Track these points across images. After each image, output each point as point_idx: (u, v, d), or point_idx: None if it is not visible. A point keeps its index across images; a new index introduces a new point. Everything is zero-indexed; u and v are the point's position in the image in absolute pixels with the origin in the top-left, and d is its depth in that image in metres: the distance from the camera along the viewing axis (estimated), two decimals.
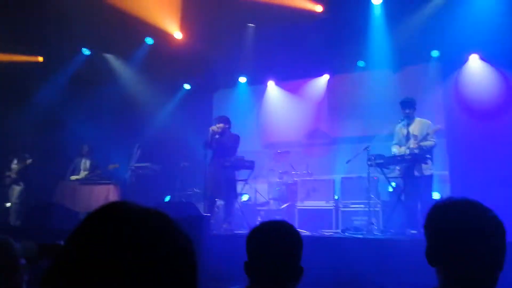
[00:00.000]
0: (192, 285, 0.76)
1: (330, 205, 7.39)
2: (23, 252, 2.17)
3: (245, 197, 8.56)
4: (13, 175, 8.13)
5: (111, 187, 7.19)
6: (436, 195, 7.03)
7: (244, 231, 6.37)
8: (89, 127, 8.20)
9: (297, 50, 8.34)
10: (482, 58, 8.15)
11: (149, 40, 9.09)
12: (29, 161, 8.05)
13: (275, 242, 1.76)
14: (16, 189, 8.14)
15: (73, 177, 7.81)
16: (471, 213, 1.49)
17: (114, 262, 0.69)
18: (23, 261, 2.12)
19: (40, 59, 9.19)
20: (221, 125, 6.81)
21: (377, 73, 8.69)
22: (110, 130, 8.74)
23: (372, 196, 6.87)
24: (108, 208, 0.78)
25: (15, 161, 8.17)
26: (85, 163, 8.00)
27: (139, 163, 7.87)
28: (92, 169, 7.87)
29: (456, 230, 1.48)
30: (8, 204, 7.99)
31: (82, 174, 7.83)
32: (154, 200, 6.57)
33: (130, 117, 9.18)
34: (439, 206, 1.59)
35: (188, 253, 0.77)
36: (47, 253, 2.21)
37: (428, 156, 6.18)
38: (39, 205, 6.14)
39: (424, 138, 6.19)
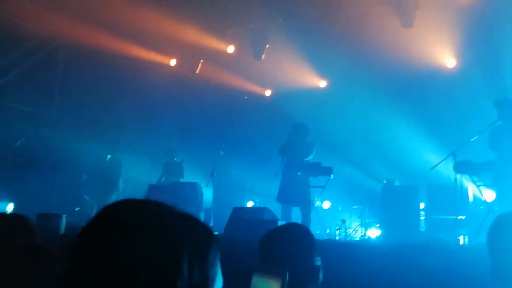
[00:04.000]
0: None
1: (413, 213, 7.07)
2: None
3: (326, 204, 8.47)
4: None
5: (197, 190, 7.58)
6: None
7: (322, 237, 6.34)
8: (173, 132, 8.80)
9: None
10: None
11: None
12: None
13: (285, 245, 1.78)
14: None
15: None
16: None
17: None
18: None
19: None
20: (297, 131, 6.89)
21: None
22: (195, 137, 9.32)
23: (463, 205, 6.46)
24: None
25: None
26: (171, 166, 8.48)
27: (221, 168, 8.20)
28: (177, 171, 8.33)
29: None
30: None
31: (169, 177, 8.33)
32: (235, 204, 6.78)
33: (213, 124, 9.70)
34: (502, 219, 1.47)
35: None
36: None
37: None
38: None
39: None
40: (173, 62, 10.40)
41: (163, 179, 8.35)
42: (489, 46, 7.89)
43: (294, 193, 6.64)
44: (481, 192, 6.12)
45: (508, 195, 5.56)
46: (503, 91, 6.81)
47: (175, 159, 8.48)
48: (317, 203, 7.68)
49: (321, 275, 1.77)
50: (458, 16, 7.93)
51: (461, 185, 6.18)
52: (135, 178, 8.68)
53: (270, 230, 1.88)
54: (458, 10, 7.90)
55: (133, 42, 9.43)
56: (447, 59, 8.68)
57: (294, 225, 1.95)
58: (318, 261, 1.78)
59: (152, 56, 10.10)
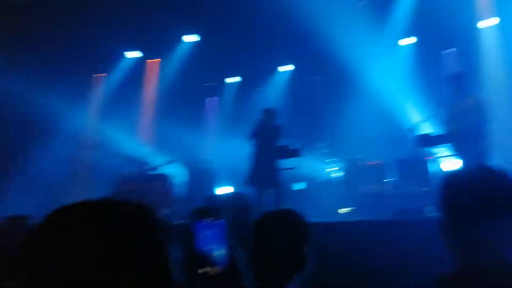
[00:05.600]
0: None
1: (383, 188, 7.29)
2: None
3: (301, 185, 8.57)
4: None
5: (168, 182, 7.59)
6: None
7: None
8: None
9: None
10: None
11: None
12: None
13: (277, 232, 1.78)
14: None
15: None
16: (487, 180, 1.32)
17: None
18: None
19: None
20: (266, 116, 6.97)
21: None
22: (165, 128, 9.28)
23: (427, 177, 6.71)
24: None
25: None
26: (141, 159, 8.38)
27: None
28: (147, 164, 8.28)
29: (472, 199, 1.30)
30: None
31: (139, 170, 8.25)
32: (207, 193, 6.84)
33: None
34: (453, 175, 1.43)
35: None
36: None
37: (480, 131, 5.85)
38: None
39: (476, 113, 5.88)
40: None
41: None
42: None
43: (267, 176, 6.72)
44: (440, 164, 6.35)
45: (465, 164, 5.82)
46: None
47: None
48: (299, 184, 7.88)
49: (309, 265, 1.78)
50: None
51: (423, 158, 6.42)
52: None
53: (263, 215, 1.88)
54: None
55: None
56: None
57: (287, 211, 1.92)
58: (306, 250, 1.79)
59: None
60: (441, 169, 6.47)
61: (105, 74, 10.10)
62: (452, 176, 1.41)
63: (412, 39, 8.89)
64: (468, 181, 1.36)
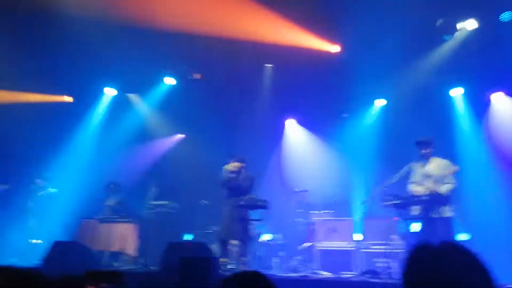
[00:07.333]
0: None
1: (350, 245, 7.23)
2: None
3: (267, 236, 8.47)
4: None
5: (130, 225, 7.30)
6: (462, 237, 6.79)
7: (262, 271, 6.28)
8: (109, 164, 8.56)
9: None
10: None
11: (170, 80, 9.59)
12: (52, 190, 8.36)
13: None
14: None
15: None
16: (451, 260, 1.35)
17: None
18: None
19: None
20: (237, 164, 6.87)
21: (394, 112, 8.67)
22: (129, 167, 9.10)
23: (394, 237, 6.71)
24: None
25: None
26: (112, 201, 8.11)
27: (157, 201, 7.98)
28: (117, 207, 7.99)
29: (434, 277, 1.32)
30: (36, 241, 8.15)
31: (107, 212, 7.94)
32: (172, 239, 6.59)
33: (148, 156, 9.53)
34: (417, 251, 1.44)
35: None
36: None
37: (447, 197, 5.96)
38: (59, 244, 6.24)
39: (442, 178, 6.01)
40: None
41: None
42: None
43: (237, 227, 6.55)
44: (408, 225, 6.37)
45: (431, 228, 5.88)
46: None
47: None
48: (265, 236, 7.75)
49: None
50: None
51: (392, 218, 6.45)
52: None
53: (230, 277, 1.90)
54: None
55: None
56: None
57: (252, 274, 1.96)
58: None
59: None
60: (408, 229, 6.48)
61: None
62: (417, 252, 1.41)
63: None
64: (432, 258, 1.36)
